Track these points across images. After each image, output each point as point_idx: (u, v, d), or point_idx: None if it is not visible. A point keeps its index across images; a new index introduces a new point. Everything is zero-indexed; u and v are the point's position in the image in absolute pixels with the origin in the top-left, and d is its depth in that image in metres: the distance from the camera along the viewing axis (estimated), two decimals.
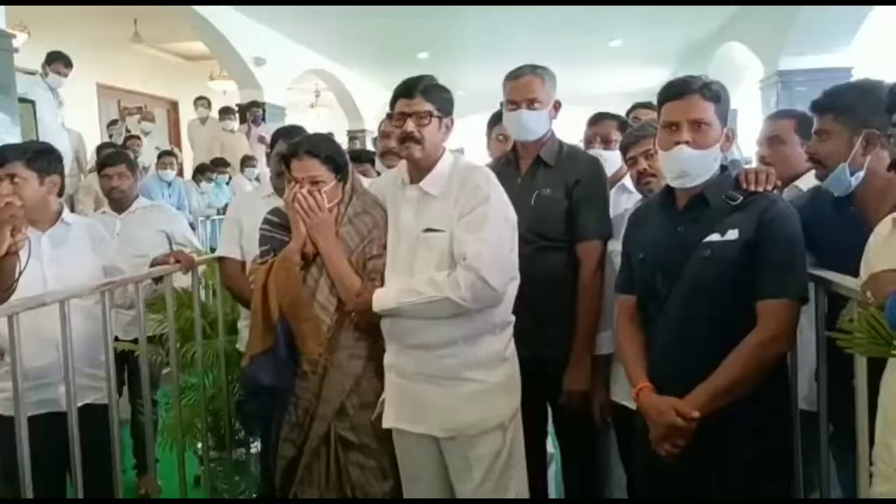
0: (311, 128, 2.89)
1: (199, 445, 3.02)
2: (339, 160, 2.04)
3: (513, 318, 1.98)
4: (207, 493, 2.76)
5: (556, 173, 2.27)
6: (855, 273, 1.53)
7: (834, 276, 1.66)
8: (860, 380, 1.48)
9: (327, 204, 1.99)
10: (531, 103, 2.24)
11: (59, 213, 2.32)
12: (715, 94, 1.70)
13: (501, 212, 1.89)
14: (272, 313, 1.96)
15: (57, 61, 5.56)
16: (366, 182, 2.25)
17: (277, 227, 2.09)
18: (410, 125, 1.89)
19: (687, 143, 1.68)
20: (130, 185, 3.36)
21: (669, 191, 1.81)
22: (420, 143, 1.89)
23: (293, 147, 2.05)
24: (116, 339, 2.51)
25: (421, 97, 1.90)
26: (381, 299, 1.89)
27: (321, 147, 2.02)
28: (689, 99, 1.70)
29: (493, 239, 1.83)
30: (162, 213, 3.53)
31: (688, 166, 1.70)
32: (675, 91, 1.73)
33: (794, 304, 1.64)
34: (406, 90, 1.92)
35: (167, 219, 3.46)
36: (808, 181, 2.13)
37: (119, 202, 3.36)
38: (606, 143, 2.62)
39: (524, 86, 2.26)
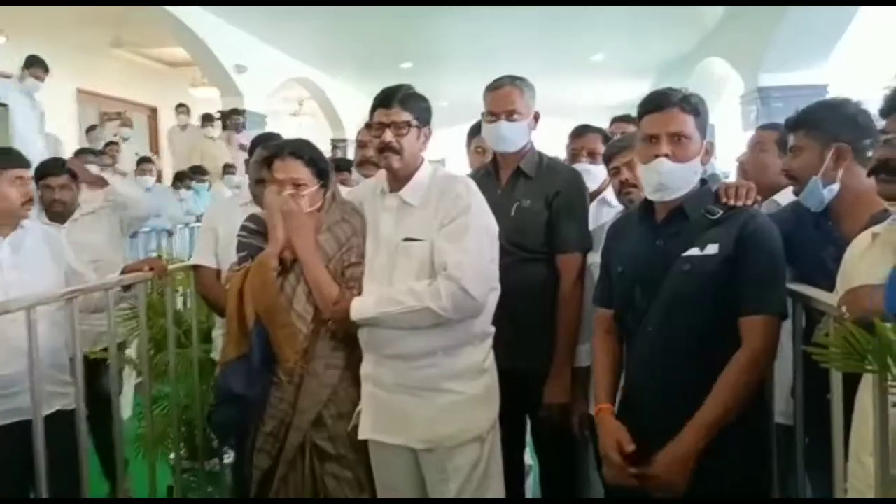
0: (294, 136, 2.86)
1: (172, 456, 2.97)
2: (322, 165, 2.02)
3: (493, 329, 1.97)
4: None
5: (535, 184, 2.27)
6: (833, 287, 1.53)
7: (811, 291, 1.67)
8: (835, 395, 1.49)
9: (308, 208, 1.96)
10: (510, 115, 2.24)
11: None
12: (694, 107, 1.71)
13: (482, 221, 1.89)
14: (248, 319, 1.93)
15: (35, 66, 5.48)
16: (344, 191, 2.23)
17: (255, 234, 2.06)
18: (389, 135, 1.88)
19: (666, 155, 1.68)
20: (73, 198, 3.11)
21: (649, 204, 1.80)
22: (399, 153, 1.88)
23: (276, 148, 2.02)
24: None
25: (399, 107, 1.89)
26: (360, 308, 1.87)
27: (304, 150, 2.00)
28: (668, 112, 1.69)
29: (473, 249, 1.82)
30: (107, 215, 3.30)
31: (667, 179, 1.69)
32: (654, 104, 1.72)
33: (776, 319, 1.64)
34: (384, 100, 1.91)
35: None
36: (786, 196, 2.15)
37: (60, 215, 3.08)
38: (593, 157, 2.58)
39: (503, 97, 2.25)
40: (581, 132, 2.71)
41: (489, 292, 1.89)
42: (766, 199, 2.28)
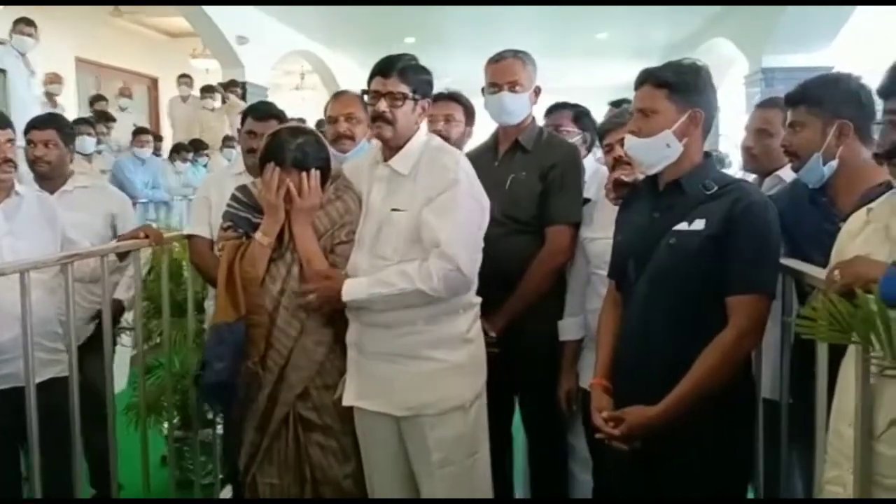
0: (296, 110, 2.82)
1: (165, 425, 2.98)
2: (327, 170, 1.99)
3: (478, 299, 1.96)
4: (174, 472, 2.73)
5: (532, 158, 2.27)
6: (827, 263, 1.52)
7: (801, 266, 1.66)
8: (820, 368, 1.49)
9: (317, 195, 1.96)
10: (513, 86, 2.24)
11: (12, 185, 2.25)
12: (663, 80, 1.68)
13: (472, 194, 1.87)
14: (239, 296, 1.92)
15: (20, 22, 5.37)
16: (346, 166, 2.19)
17: (244, 206, 2.04)
18: (383, 105, 1.86)
19: (633, 132, 1.70)
20: (60, 158, 2.66)
21: (654, 176, 1.79)
22: (391, 124, 1.86)
23: (279, 156, 1.95)
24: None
25: (397, 78, 1.87)
26: (352, 290, 1.85)
27: (305, 163, 1.95)
28: (641, 89, 1.71)
29: (464, 223, 1.82)
30: (104, 193, 2.87)
31: (635, 154, 1.73)
32: (636, 82, 1.74)
33: (764, 299, 1.62)
34: (382, 69, 1.89)
35: (112, 201, 2.84)
36: (789, 172, 2.11)
37: (46, 177, 2.64)
38: None
39: (506, 68, 2.26)
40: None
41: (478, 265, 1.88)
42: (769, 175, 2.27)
